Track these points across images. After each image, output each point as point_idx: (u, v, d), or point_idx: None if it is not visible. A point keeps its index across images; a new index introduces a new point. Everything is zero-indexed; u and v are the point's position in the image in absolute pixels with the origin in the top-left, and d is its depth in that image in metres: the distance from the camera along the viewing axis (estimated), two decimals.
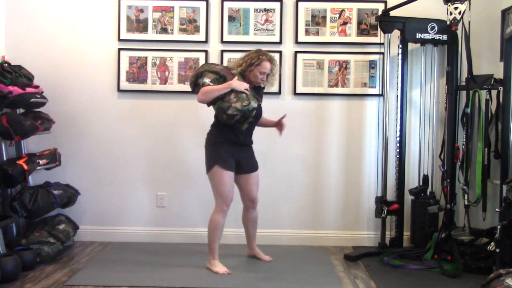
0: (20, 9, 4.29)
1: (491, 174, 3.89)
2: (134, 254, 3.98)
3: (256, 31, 4.28)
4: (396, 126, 4.11)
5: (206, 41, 4.29)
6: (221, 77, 3.47)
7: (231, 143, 3.55)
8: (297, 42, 4.28)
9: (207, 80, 3.45)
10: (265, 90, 3.74)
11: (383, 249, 4.06)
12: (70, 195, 4.10)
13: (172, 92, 4.31)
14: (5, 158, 3.87)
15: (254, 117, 3.53)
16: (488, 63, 4.15)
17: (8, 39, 4.27)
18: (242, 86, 3.42)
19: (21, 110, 4.07)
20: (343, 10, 4.27)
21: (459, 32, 3.84)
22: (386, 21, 4.06)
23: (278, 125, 3.76)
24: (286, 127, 3.78)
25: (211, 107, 3.54)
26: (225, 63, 4.23)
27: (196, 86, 3.52)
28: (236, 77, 3.47)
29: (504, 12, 3.82)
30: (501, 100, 3.79)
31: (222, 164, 3.50)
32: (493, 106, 3.88)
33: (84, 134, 4.33)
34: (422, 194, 4.13)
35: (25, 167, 3.73)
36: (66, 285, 3.32)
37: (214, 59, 4.28)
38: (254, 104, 3.44)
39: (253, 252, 3.90)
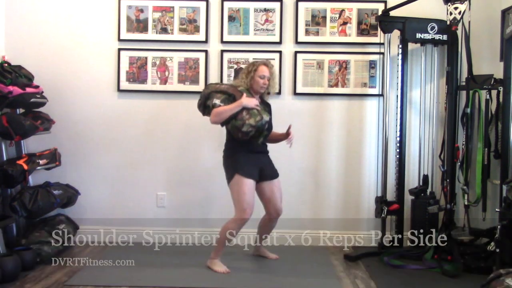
0: (20, 9, 4.29)
1: (491, 174, 3.90)
2: (134, 254, 3.98)
3: (256, 31, 4.28)
4: (396, 126, 4.11)
5: (206, 41, 4.29)
6: (230, 96, 3.50)
7: (249, 151, 3.57)
8: (297, 42, 4.28)
9: (217, 101, 3.48)
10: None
11: (383, 249, 4.05)
12: (70, 195, 4.10)
13: (172, 92, 4.31)
14: (5, 158, 3.87)
15: (267, 130, 3.55)
16: (488, 63, 4.14)
17: (8, 39, 4.27)
18: (252, 102, 3.46)
19: (21, 110, 4.07)
20: (343, 10, 4.27)
21: (459, 32, 3.85)
22: (386, 21, 4.06)
23: (287, 135, 3.71)
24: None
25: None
26: (225, 63, 4.25)
27: (206, 108, 3.56)
28: (244, 94, 3.49)
29: (504, 12, 3.82)
30: (501, 100, 3.79)
31: (243, 172, 3.51)
32: (493, 106, 3.88)
33: (84, 134, 4.33)
34: (422, 194, 4.12)
35: (25, 167, 3.73)
36: (66, 285, 3.32)
37: (214, 59, 4.28)
38: (266, 118, 3.47)
39: (259, 251, 3.93)
